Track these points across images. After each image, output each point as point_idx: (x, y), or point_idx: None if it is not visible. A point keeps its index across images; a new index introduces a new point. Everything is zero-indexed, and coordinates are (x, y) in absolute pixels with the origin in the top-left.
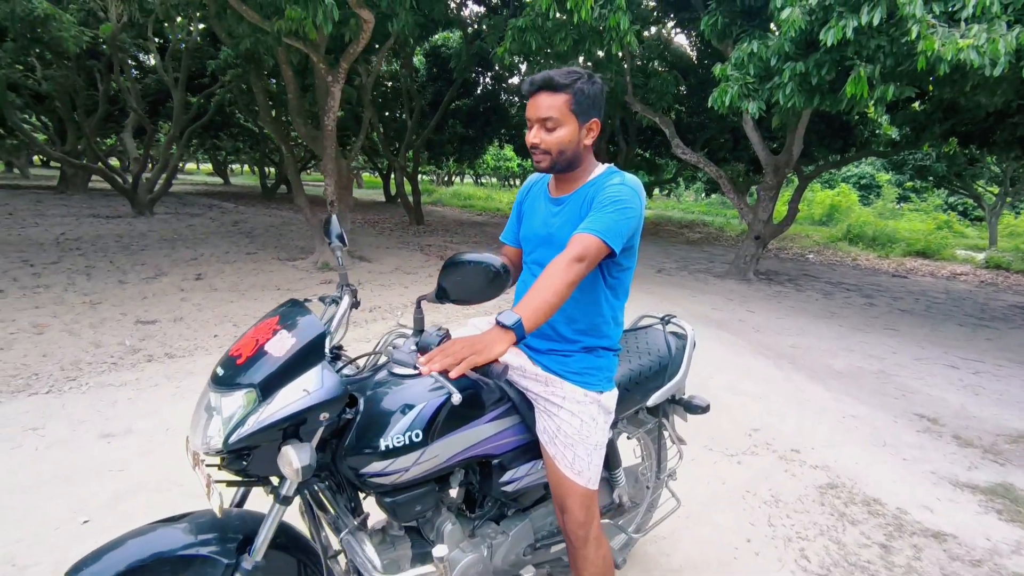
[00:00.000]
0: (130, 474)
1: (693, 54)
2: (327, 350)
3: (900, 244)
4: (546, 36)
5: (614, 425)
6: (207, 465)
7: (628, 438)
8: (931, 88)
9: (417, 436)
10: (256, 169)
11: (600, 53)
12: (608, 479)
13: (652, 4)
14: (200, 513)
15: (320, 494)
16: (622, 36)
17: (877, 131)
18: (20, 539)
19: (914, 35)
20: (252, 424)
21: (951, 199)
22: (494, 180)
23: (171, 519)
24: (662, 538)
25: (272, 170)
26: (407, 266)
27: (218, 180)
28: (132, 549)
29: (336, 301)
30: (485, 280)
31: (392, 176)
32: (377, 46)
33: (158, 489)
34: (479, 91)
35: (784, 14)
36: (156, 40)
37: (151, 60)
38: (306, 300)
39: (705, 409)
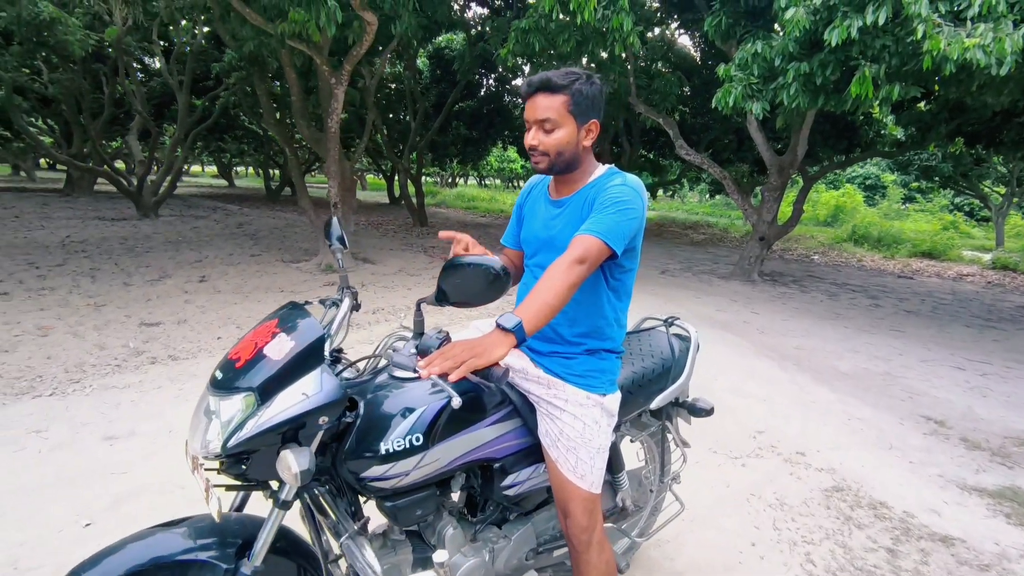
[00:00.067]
0: (133, 477)
1: (697, 55)
2: (327, 353)
3: (906, 245)
4: (549, 37)
5: (617, 428)
6: (206, 469)
7: (631, 441)
8: (937, 88)
9: (418, 440)
10: (260, 171)
11: (603, 54)
12: (611, 483)
13: (655, 5)
14: (199, 518)
15: (320, 498)
16: (625, 37)
17: (882, 131)
18: (23, 542)
19: (920, 34)
20: (251, 428)
21: (957, 199)
22: (498, 182)
23: (170, 523)
24: (666, 542)
25: (276, 172)
26: (410, 268)
27: (223, 182)
28: (131, 554)
29: (336, 304)
30: (485, 282)
31: (396, 178)
32: (380, 48)
33: (160, 492)
34: (483, 93)
35: (788, 14)
36: (161, 43)
37: (156, 63)
38: (306, 303)
39: (709, 412)
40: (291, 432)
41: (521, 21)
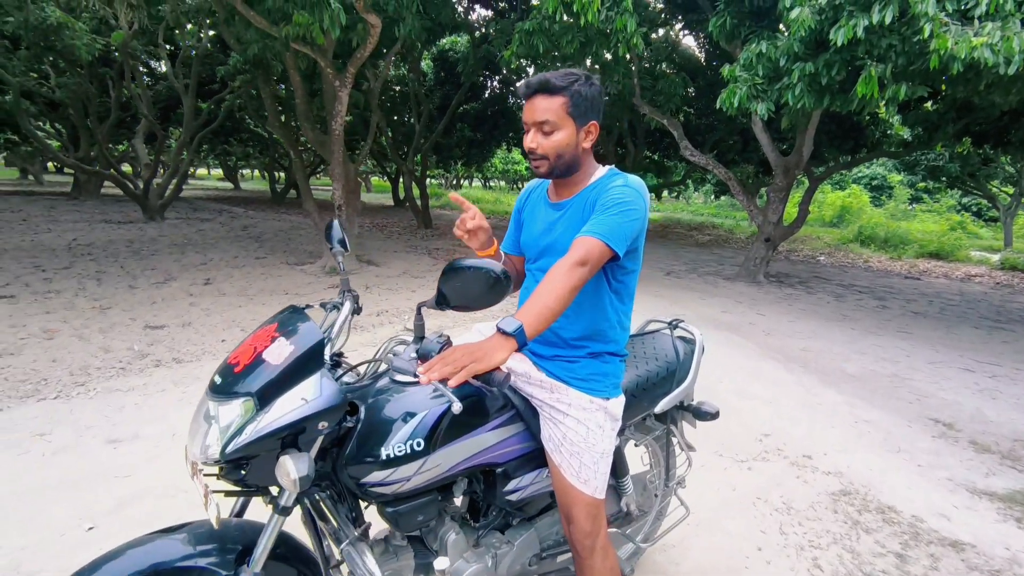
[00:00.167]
0: (136, 480)
1: (701, 56)
2: (327, 357)
3: (913, 245)
4: (553, 39)
5: (621, 432)
6: (205, 475)
7: (636, 445)
8: (944, 87)
9: (419, 445)
10: (266, 174)
11: (607, 56)
12: (615, 487)
13: (660, 6)
14: (199, 523)
15: (321, 503)
16: (629, 38)
17: (889, 131)
18: (25, 545)
19: (927, 33)
20: (250, 433)
21: (965, 200)
22: (502, 183)
23: (170, 529)
24: (671, 547)
25: (282, 175)
26: (415, 270)
27: (228, 185)
28: (130, 560)
29: (337, 307)
30: (485, 286)
31: (400, 180)
32: (385, 50)
33: (163, 495)
34: (487, 95)
35: (793, 14)
36: (167, 47)
37: (162, 67)
38: (307, 306)
39: (714, 415)
40: (291, 437)
41: (525, 23)
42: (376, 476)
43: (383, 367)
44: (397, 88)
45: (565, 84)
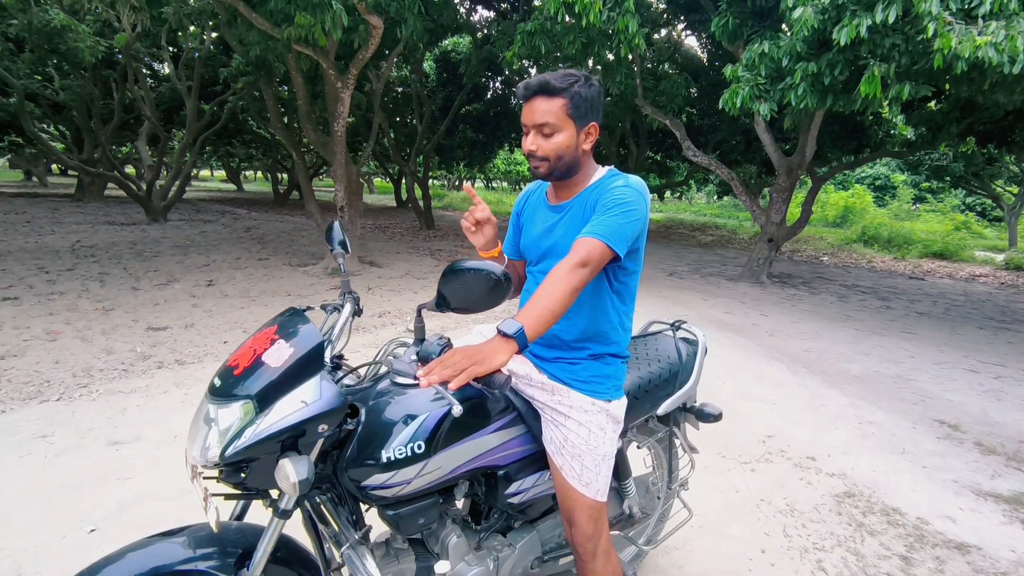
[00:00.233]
0: (137, 482)
1: (704, 56)
2: (327, 360)
3: (916, 246)
4: (555, 40)
5: (623, 434)
6: (205, 478)
7: (638, 447)
8: (948, 87)
9: (419, 447)
10: (268, 175)
11: (610, 56)
12: (618, 490)
13: (662, 6)
14: (199, 527)
15: (321, 506)
16: (631, 39)
17: (892, 131)
18: (26, 548)
19: (930, 33)
20: (249, 436)
21: (969, 199)
22: (504, 184)
23: (170, 532)
24: (674, 549)
25: (284, 176)
26: (417, 271)
27: (231, 187)
28: (130, 563)
29: (338, 309)
30: (486, 288)
31: (403, 181)
32: (387, 52)
33: (165, 498)
34: (489, 96)
35: (796, 14)
36: (170, 49)
37: (165, 69)
38: (307, 308)
39: (717, 417)
40: (290, 440)
41: (527, 24)
42: (377, 479)
43: (383, 369)
44: (399, 89)
45: (565, 85)
